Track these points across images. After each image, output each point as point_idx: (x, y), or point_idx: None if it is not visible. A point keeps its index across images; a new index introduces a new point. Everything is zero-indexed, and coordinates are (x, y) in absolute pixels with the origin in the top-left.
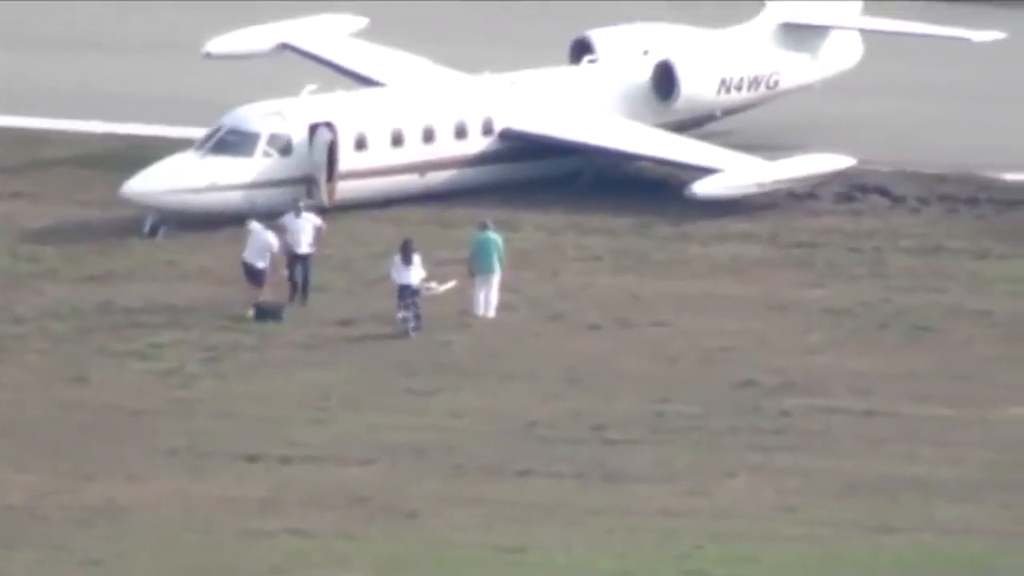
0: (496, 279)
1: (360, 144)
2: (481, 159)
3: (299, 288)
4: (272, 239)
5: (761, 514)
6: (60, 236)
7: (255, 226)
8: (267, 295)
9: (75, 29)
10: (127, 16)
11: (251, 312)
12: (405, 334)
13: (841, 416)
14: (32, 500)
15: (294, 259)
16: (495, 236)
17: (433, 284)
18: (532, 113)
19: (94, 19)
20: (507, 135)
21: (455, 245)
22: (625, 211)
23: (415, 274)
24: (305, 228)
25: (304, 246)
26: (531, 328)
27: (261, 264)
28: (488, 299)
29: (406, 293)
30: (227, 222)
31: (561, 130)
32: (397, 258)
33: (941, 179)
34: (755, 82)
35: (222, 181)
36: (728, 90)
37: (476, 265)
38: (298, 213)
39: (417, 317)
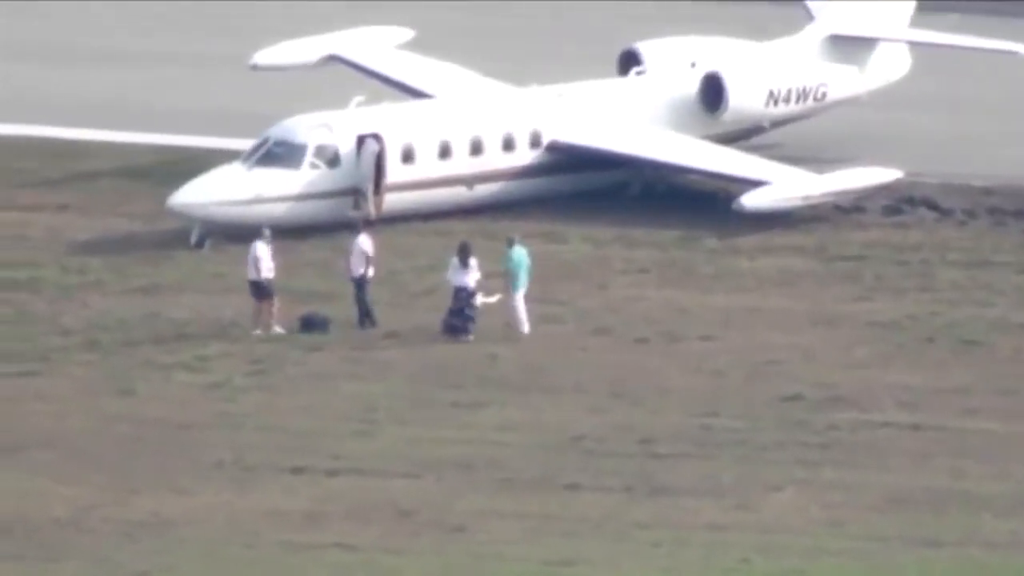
0: (520, 294)
1: (407, 156)
2: (529, 171)
3: (365, 312)
4: (260, 251)
5: (807, 528)
6: (106, 248)
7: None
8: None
9: (121, 41)
10: (172, 28)
11: (276, 330)
12: (465, 335)
13: (888, 430)
14: (78, 513)
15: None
16: (522, 250)
17: (478, 296)
18: (580, 125)
19: (139, 31)
20: (555, 147)
21: (502, 257)
22: (672, 224)
23: (471, 277)
24: (362, 249)
25: (359, 268)
26: (578, 341)
27: (254, 277)
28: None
29: (462, 296)
30: (274, 234)
31: (609, 142)
32: (455, 260)
33: (988, 192)
34: (803, 94)
35: (269, 193)
36: (776, 102)
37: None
38: (358, 234)
39: (471, 320)
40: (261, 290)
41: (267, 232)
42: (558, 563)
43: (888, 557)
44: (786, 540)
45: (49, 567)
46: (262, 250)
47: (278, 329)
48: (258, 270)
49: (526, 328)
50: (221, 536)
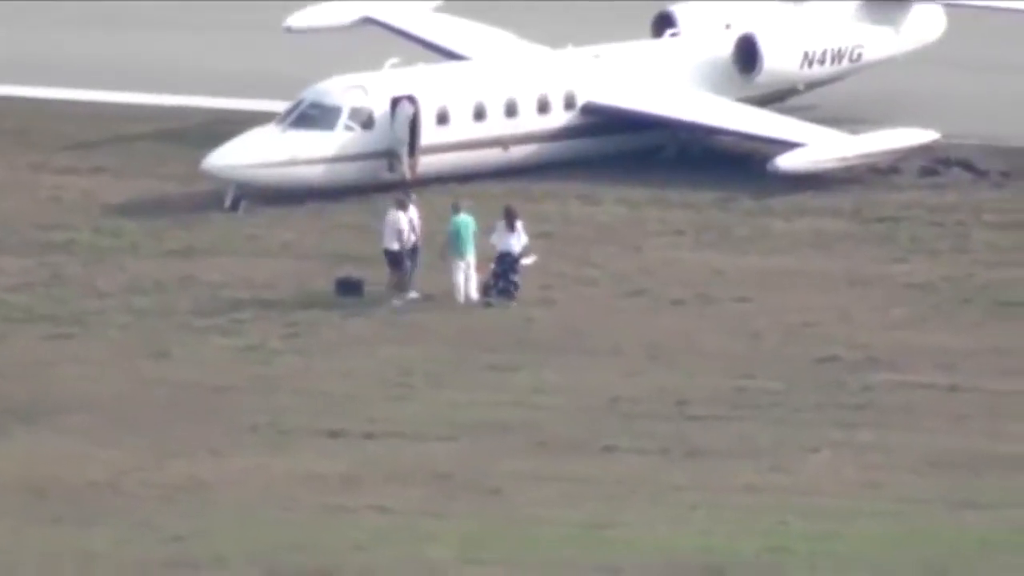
0: (472, 262)
1: (442, 118)
2: (563, 133)
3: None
4: (398, 219)
5: (844, 490)
6: (141, 211)
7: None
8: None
9: (156, 5)
10: None
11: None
12: (509, 299)
13: (924, 391)
14: (114, 476)
15: (413, 251)
16: (468, 218)
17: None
18: (615, 87)
19: None
20: (590, 109)
21: (537, 219)
22: (707, 185)
23: (517, 241)
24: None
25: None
26: (613, 304)
27: (393, 246)
28: (468, 283)
29: (507, 260)
30: (308, 196)
31: (643, 104)
32: (500, 224)
33: None
34: (838, 55)
35: (303, 155)
36: (811, 64)
37: (452, 249)
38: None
39: (515, 285)
40: (397, 258)
41: (408, 199)
42: (595, 525)
43: (925, 519)
44: (823, 502)
45: (86, 531)
46: (399, 217)
47: (413, 294)
48: (395, 238)
49: (461, 298)
50: (257, 499)
